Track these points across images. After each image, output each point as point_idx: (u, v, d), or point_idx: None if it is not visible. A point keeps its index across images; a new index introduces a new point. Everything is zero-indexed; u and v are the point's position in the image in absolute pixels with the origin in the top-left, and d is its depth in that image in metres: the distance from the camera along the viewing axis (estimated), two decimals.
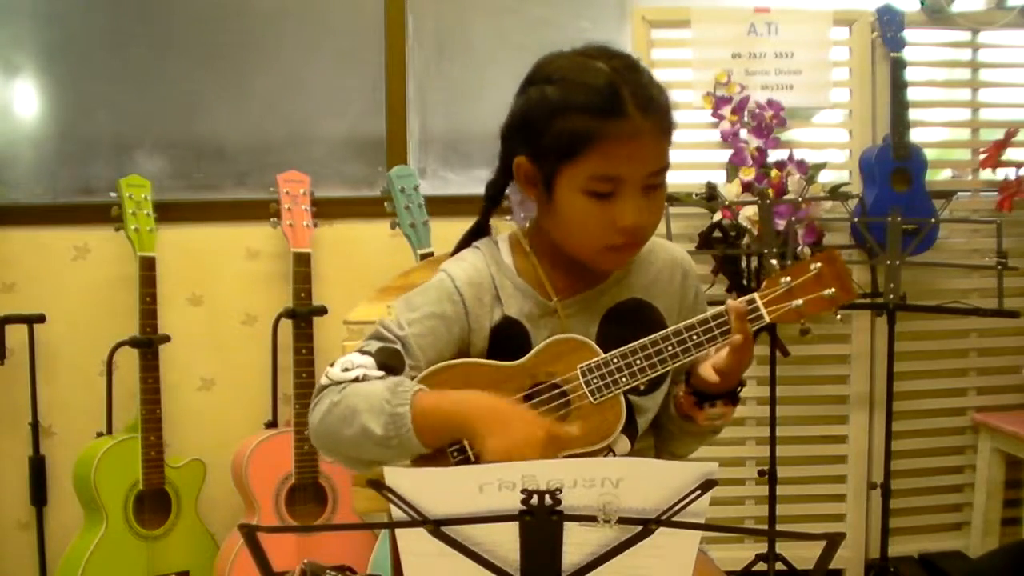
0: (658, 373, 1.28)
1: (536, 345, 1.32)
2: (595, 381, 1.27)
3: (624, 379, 1.27)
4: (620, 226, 1.26)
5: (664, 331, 1.28)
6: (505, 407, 1.21)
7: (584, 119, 1.23)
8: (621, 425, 1.28)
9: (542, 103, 1.28)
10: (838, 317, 1.35)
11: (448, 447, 1.27)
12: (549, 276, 1.37)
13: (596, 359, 1.28)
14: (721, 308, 1.28)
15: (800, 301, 1.28)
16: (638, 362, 1.27)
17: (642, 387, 1.31)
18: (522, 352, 1.31)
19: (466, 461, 1.27)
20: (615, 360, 1.27)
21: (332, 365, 1.29)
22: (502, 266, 1.38)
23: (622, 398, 1.28)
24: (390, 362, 1.28)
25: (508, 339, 1.34)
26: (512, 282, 1.37)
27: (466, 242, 1.45)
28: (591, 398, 1.27)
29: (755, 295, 1.29)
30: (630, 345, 1.27)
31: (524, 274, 1.38)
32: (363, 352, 1.30)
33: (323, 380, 1.29)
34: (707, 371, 1.29)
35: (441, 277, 1.37)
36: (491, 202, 1.43)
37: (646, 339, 1.27)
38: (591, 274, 1.37)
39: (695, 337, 1.27)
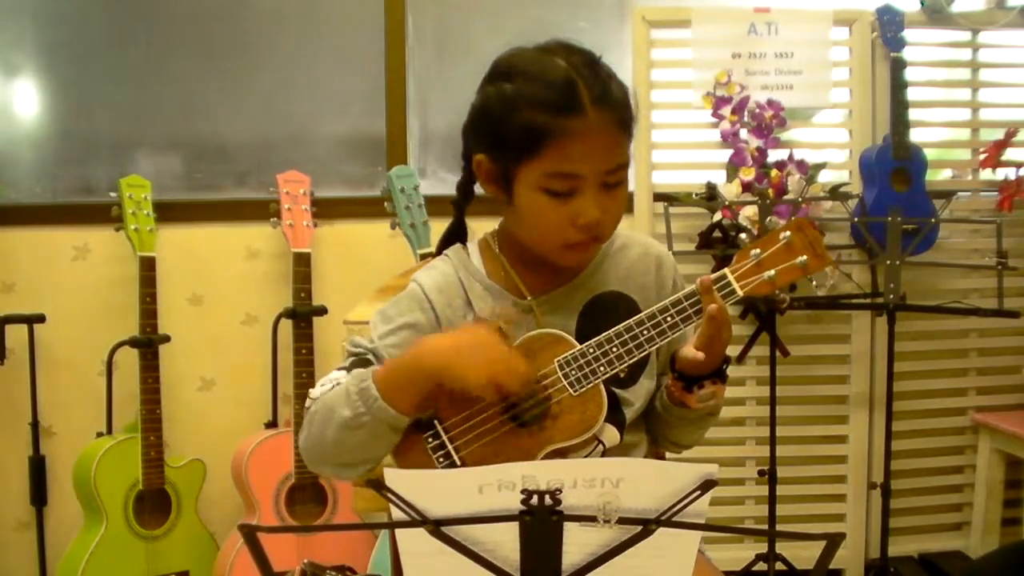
0: (636, 358, 1.27)
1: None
2: (573, 373, 1.27)
3: (602, 368, 1.27)
4: (580, 223, 1.27)
5: (638, 316, 1.27)
6: (459, 337, 1.24)
7: (541, 115, 1.23)
8: (603, 415, 1.28)
9: (499, 99, 1.28)
10: (813, 284, 1.35)
11: (427, 440, 1.27)
12: (521, 275, 1.37)
13: (572, 351, 1.27)
14: (693, 287, 1.28)
15: (772, 272, 1.27)
16: (615, 350, 1.26)
17: (622, 375, 1.30)
18: None
19: (446, 454, 1.27)
20: (591, 350, 1.27)
21: (314, 383, 1.33)
22: (471, 269, 1.39)
23: (602, 387, 1.28)
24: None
25: None
26: (482, 284, 1.38)
27: (445, 243, 1.46)
28: (571, 390, 1.27)
29: (726, 270, 1.29)
30: (605, 334, 1.27)
31: (495, 276, 1.38)
32: (339, 369, 1.33)
33: (306, 403, 1.32)
34: (689, 351, 1.29)
35: (412, 287, 1.39)
36: (462, 200, 1.44)
37: (620, 326, 1.27)
38: (564, 270, 1.38)
39: (670, 319, 1.27)
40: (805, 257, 1.27)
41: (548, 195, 1.26)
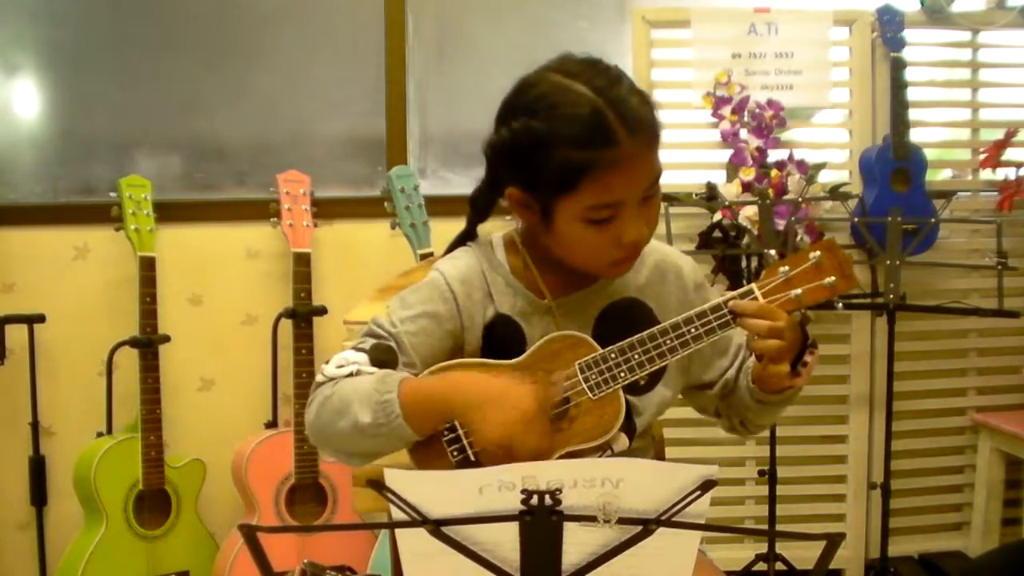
0: (657, 367, 1.27)
1: (530, 342, 1.33)
2: (594, 377, 1.27)
3: (623, 374, 1.27)
4: (626, 242, 1.27)
5: (662, 325, 1.28)
6: (491, 385, 1.23)
7: (575, 153, 1.22)
8: (621, 420, 1.28)
9: (529, 137, 1.26)
10: (839, 306, 1.36)
11: (442, 433, 1.27)
12: (542, 275, 1.37)
13: (594, 355, 1.28)
14: (719, 300, 1.28)
15: (799, 290, 1.28)
16: (636, 356, 1.27)
17: (642, 382, 1.31)
18: (517, 348, 1.32)
19: (461, 448, 1.27)
20: (613, 355, 1.27)
21: (327, 362, 1.31)
22: (494, 263, 1.39)
23: (621, 393, 1.28)
24: (384, 358, 1.29)
25: (502, 336, 1.35)
26: (504, 279, 1.37)
27: (453, 247, 1.45)
28: (590, 394, 1.27)
29: (753, 285, 1.29)
30: (628, 340, 1.27)
31: (517, 273, 1.38)
32: (357, 349, 1.31)
33: (319, 378, 1.31)
34: (767, 372, 1.31)
35: (433, 275, 1.38)
36: (478, 214, 1.43)
37: (644, 333, 1.27)
38: (585, 275, 1.38)
39: (694, 330, 1.27)
40: (834, 278, 1.28)
41: (590, 224, 1.26)
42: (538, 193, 1.28)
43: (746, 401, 1.41)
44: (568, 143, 1.22)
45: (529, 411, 1.20)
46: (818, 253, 1.28)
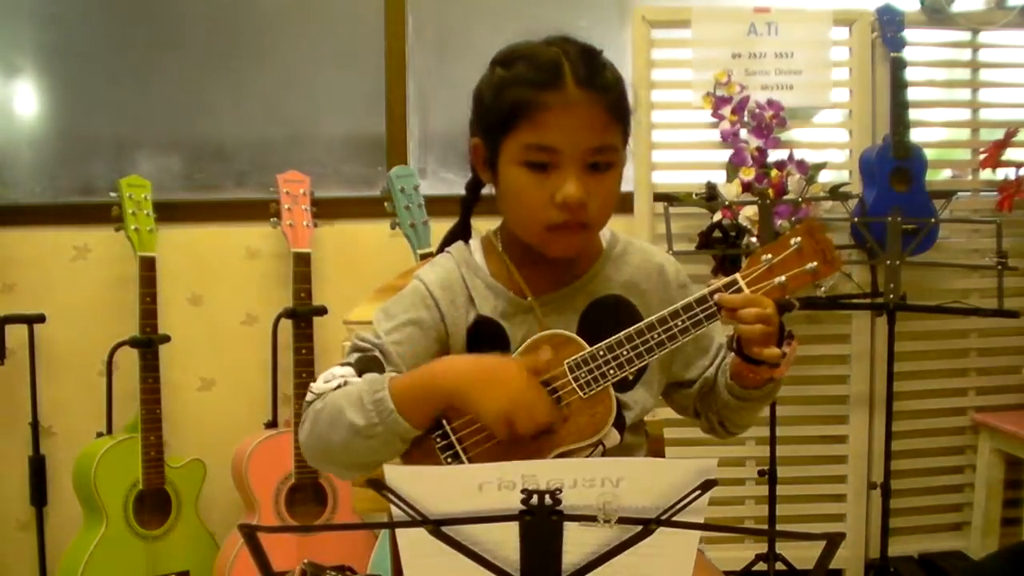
0: (646, 362, 1.27)
1: (514, 342, 1.32)
2: (584, 375, 1.26)
3: (612, 371, 1.26)
4: (558, 200, 1.26)
5: (649, 320, 1.27)
6: (482, 363, 1.23)
7: (522, 91, 1.27)
8: (612, 418, 1.28)
9: (490, 82, 1.32)
10: (822, 289, 1.35)
11: (435, 440, 1.27)
12: (523, 274, 1.37)
13: (583, 353, 1.27)
14: (704, 292, 1.27)
15: (783, 278, 1.27)
16: (625, 353, 1.26)
17: (631, 377, 1.30)
18: (501, 350, 1.31)
19: (455, 453, 1.27)
20: (602, 353, 1.26)
21: (315, 381, 1.31)
22: (473, 267, 1.39)
23: (611, 390, 1.28)
24: (370, 369, 1.29)
25: (486, 338, 1.34)
26: (484, 282, 1.37)
27: (448, 240, 1.46)
28: (581, 393, 1.26)
29: (737, 275, 1.29)
30: (616, 336, 1.26)
31: (497, 274, 1.38)
32: (343, 364, 1.31)
33: (308, 396, 1.30)
34: (735, 364, 1.31)
35: (415, 284, 1.38)
36: (470, 199, 1.46)
37: (631, 329, 1.26)
38: (566, 272, 1.38)
39: (680, 323, 1.26)
40: (815, 263, 1.27)
41: (527, 169, 1.27)
42: (489, 138, 1.32)
43: (725, 398, 1.40)
44: (519, 83, 1.28)
45: (524, 381, 1.20)
46: (799, 239, 1.27)
